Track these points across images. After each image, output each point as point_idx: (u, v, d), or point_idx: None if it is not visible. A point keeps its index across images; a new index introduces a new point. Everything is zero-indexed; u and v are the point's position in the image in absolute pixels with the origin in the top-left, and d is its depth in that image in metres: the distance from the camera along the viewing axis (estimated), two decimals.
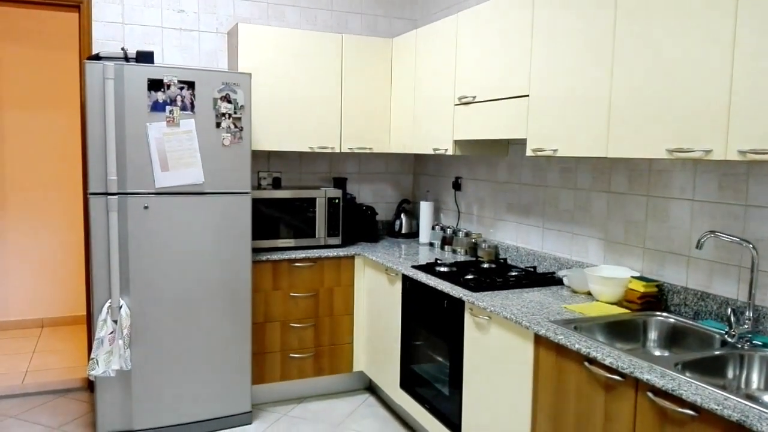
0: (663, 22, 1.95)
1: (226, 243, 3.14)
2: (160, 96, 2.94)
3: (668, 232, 2.40)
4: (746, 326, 1.97)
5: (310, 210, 3.67)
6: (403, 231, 4.16)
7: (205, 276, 3.10)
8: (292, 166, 4.07)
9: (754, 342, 1.96)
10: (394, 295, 3.27)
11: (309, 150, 3.70)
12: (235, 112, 3.10)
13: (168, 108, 2.96)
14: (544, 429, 2.14)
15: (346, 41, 3.73)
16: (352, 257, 3.64)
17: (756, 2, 1.67)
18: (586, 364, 1.92)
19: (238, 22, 3.50)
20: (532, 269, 3.05)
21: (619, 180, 2.63)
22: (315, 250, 3.60)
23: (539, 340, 2.15)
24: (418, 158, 4.39)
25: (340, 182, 4.01)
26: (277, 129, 3.61)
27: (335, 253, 3.58)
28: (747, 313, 1.98)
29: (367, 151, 3.85)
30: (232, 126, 3.10)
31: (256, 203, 3.51)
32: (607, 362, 1.82)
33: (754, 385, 1.90)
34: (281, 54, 3.57)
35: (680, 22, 1.89)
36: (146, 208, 2.96)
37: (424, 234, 3.93)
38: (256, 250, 3.50)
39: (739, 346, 1.95)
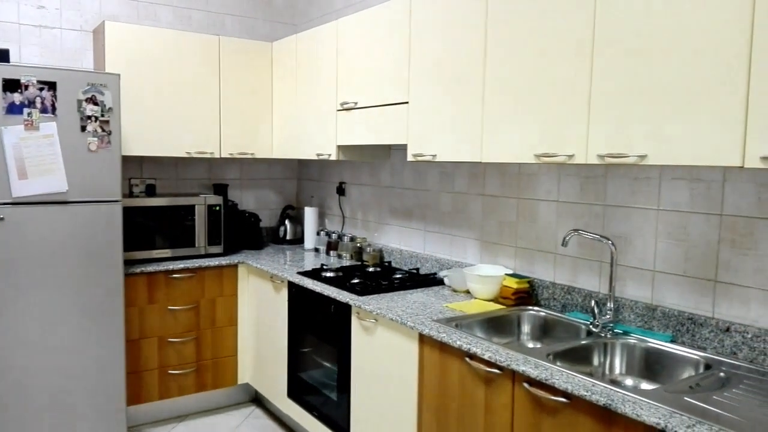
0: (528, 36, 2.09)
1: (95, 255, 2.92)
2: (16, 97, 2.68)
3: (537, 232, 2.57)
4: (608, 316, 2.15)
5: (188, 218, 3.51)
6: (288, 237, 4.11)
7: (70, 292, 2.86)
8: (167, 173, 3.88)
9: (615, 330, 2.15)
10: (280, 302, 3.22)
11: (186, 155, 3.54)
12: (102, 115, 2.90)
13: (26, 110, 2.71)
14: (430, 425, 2.20)
15: (223, 43, 3.62)
16: (235, 266, 3.53)
17: (609, 38, 1.84)
18: (467, 359, 2.00)
19: (105, 20, 3.28)
20: (415, 271, 3.13)
21: (493, 184, 2.77)
22: (195, 260, 3.45)
23: (423, 340, 2.21)
24: (302, 163, 4.36)
25: (220, 189, 3.88)
26: (150, 133, 3.42)
27: (217, 262, 3.46)
28: (609, 304, 2.17)
29: (249, 156, 3.76)
30: (99, 129, 2.90)
31: (128, 212, 3.30)
32: (486, 357, 1.91)
33: (617, 370, 2.08)
34: (154, 55, 3.40)
35: (543, 36, 2.04)
36: (1, 219, 2.68)
37: (309, 240, 3.90)
38: (129, 262, 3.29)
39: (603, 335, 2.13)
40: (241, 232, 3.87)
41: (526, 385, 1.80)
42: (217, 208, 3.61)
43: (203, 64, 3.56)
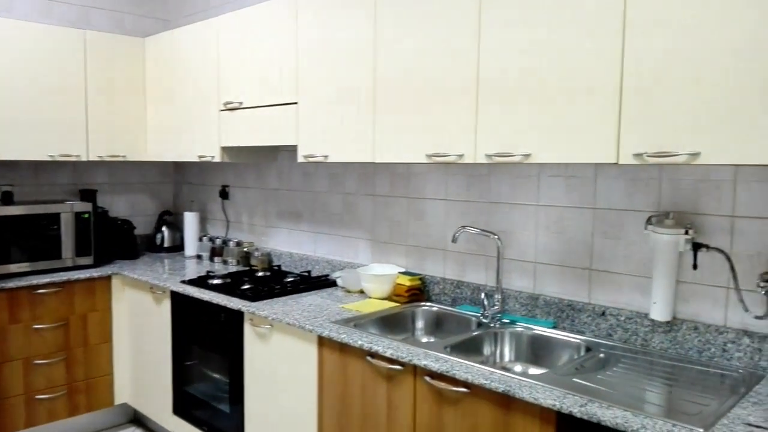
0: (418, 37, 2.14)
1: None
2: None
3: (427, 230, 2.65)
4: (496, 307, 2.27)
5: (52, 227, 3.21)
6: (166, 245, 3.89)
7: None
8: (25, 178, 3.51)
9: (503, 320, 2.27)
10: (161, 314, 3.03)
11: (49, 158, 3.23)
12: None
13: None
14: (331, 428, 2.18)
15: (90, 38, 3.35)
16: (109, 278, 3.27)
17: (496, 33, 1.93)
18: (369, 358, 2.01)
19: None
20: (307, 274, 3.10)
21: (383, 184, 2.81)
22: (62, 273, 3.16)
23: (323, 342, 2.19)
24: (180, 166, 4.14)
25: (88, 194, 3.59)
26: (4, 135, 3.08)
27: (87, 275, 3.18)
28: (496, 296, 2.28)
29: (120, 159, 3.51)
30: None
31: None
32: (388, 354, 1.93)
33: (507, 357, 2.19)
34: (8, 49, 3.06)
35: (431, 36, 2.10)
36: None
37: (191, 246, 3.72)
38: None
39: (492, 325, 2.23)
40: (113, 241, 3.60)
41: (427, 378, 1.84)
42: (86, 215, 3.33)
43: (67, 60, 3.26)
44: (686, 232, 1.85)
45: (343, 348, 2.12)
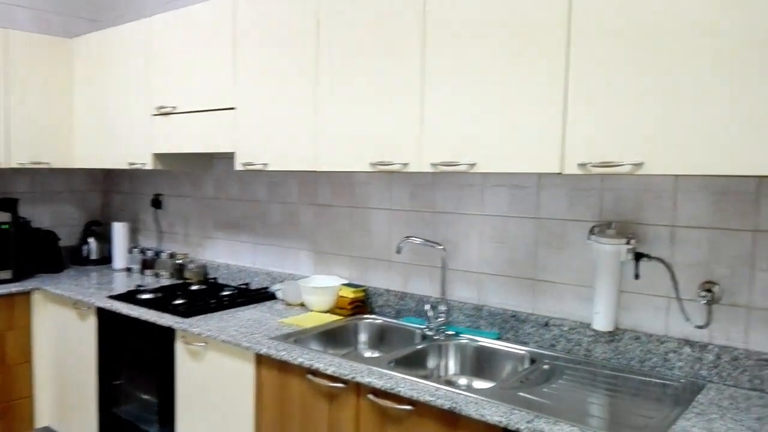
0: (360, 39, 2.08)
1: None
2: None
3: (371, 240, 2.58)
4: (441, 319, 2.22)
5: None
6: (93, 257, 3.66)
7: None
8: None
9: (447, 332, 2.22)
10: (86, 332, 2.83)
11: None
12: None
13: None
14: None
15: (12, 37, 3.12)
16: (28, 293, 3.04)
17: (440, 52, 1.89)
18: (309, 376, 1.92)
19: None
20: (245, 286, 2.97)
21: (325, 193, 2.73)
22: None
23: (261, 360, 2.08)
24: (109, 174, 3.92)
25: (8, 204, 3.33)
26: None
27: (6, 290, 2.95)
28: (441, 307, 2.23)
29: (44, 166, 3.28)
30: None
31: None
32: (329, 371, 1.84)
33: (452, 370, 2.14)
34: None
35: (376, 38, 2.04)
36: None
37: (120, 259, 3.51)
38: None
39: (437, 337, 2.18)
40: (35, 254, 3.36)
41: (371, 396, 1.76)
42: (5, 226, 3.09)
43: None
44: (628, 242, 1.85)
45: (283, 366, 2.01)
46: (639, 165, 1.54)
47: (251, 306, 2.63)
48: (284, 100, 2.32)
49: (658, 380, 1.77)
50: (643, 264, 1.89)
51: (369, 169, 2.08)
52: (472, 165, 1.83)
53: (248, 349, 2.07)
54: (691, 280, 1.81)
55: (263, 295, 2.78)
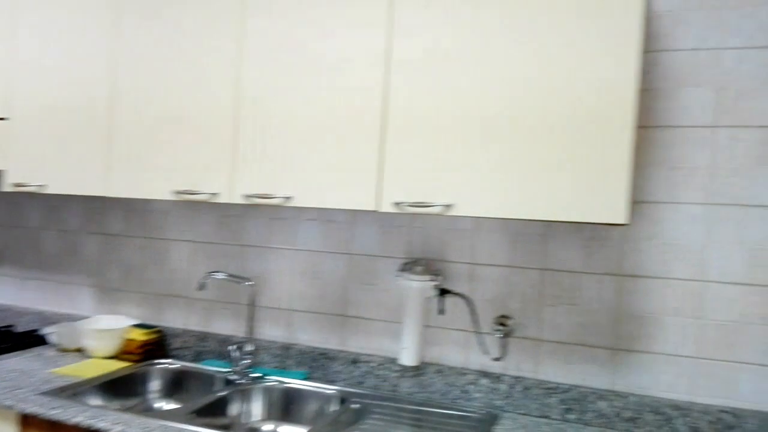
0: (161, 53, 1.91)
1: None
2: None
3: (169, 275, 2.35)
4: (247, 360, 2.07)
5: None
6: None
7: None
8: None
9: (253, 375, 2.08)
10: None
11: None
12: None
13: None
14: None
15: None
16: None
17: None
18: None
19: None
20: (7, 329, 2.49)
21: (114, 221, 2.43)
22: None
23: (27, 421, 1.73)
24: None
25: None
26: None
27: None
28: (247, 348, 2.09)
29: None
30: None
31: None
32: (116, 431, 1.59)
33: (258, 416, 2.01)
34: None
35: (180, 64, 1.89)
36: None
37: None
38: None
39: (241, 381, 2.03)
40: None
41: None
42: None
43: None
44: (434, 279, 1.92)
45: (55, 427, 1.69)
46: (450, 206, 1.60)
47: (15, 354, 2.21)
48: (68, 113, 2.02)
49: (458, 412, 1.84)
50: (447, 299, 1.97)
51: (172, 197, 1.89)
52: (288, 198, 1.76)
53: (10, 408, 1.71)
54: (489, 314, 1.93)
55: (32, 340, 2.35)
